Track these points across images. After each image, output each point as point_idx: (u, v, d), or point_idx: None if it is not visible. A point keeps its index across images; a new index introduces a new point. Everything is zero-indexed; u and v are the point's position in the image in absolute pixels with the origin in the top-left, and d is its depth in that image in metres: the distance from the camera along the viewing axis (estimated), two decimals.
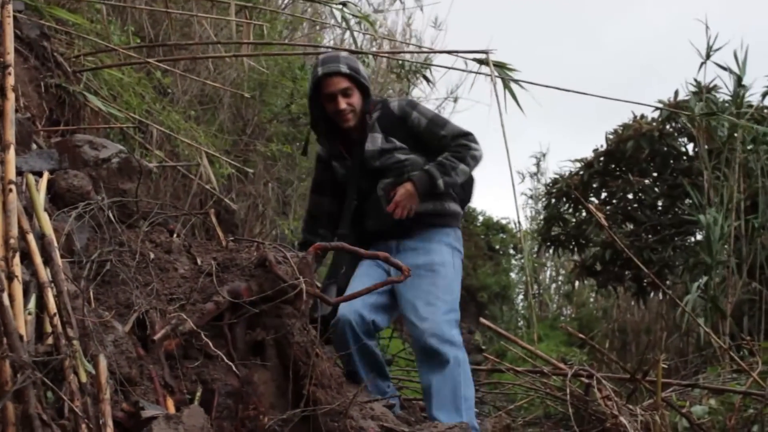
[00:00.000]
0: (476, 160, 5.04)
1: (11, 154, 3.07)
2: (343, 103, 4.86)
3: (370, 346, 4.87)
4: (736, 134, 11.50)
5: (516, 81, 6.03)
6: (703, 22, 11.73)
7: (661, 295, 13.68)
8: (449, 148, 4.97)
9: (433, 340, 4.64)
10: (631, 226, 13.39)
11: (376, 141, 5.00)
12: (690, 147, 13.10)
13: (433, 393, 4.69)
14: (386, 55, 10.41)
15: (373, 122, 5.02)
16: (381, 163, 4.96)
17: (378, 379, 4.96)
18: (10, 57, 3.32)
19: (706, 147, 11.97)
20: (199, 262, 3.76)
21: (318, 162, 5.31)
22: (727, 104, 12.12)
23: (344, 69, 4.87)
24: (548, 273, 23.15)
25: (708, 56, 11.79)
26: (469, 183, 5.27)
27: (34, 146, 4.19)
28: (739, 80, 11.88)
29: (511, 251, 23.79)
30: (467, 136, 5.02)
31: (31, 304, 2.87)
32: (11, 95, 3.22)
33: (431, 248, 4.98)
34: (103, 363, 2.75)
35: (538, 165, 22.86)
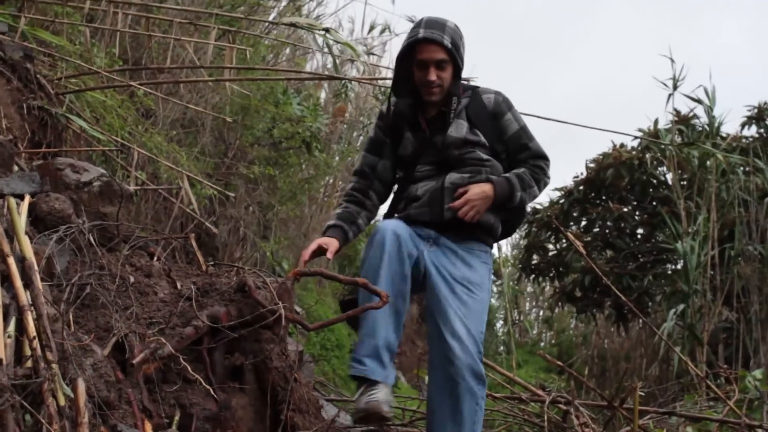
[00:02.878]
0: (544, 188, 4.72)
1: None
2: (433, 75, 4.42)
3: (408, 268, 4.27)
4: (709, 163, 11.62)
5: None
6: (668, 56, 11.87)
7: (640, 322, 13.73)
8: (527, 165, 4.61)
9: (471, 378, 4.18)
10: (611, 254, 13.45)
11: (461, 128, 4.56)
12: (669, 176, 13.21)
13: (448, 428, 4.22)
14: (367, 81, 10.43)
15: (461, 108, 4.60)
16: (460, 154, 4.52)
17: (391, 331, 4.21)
18: None
19: (681, 175, 12.10)
20: (178, 286, 3.77)
21: (381, 120, 4.80)
22: (701, 134, 12.27)
23: (447, 41, 4.41)
24: (528, 299, 23.17)
25: (675, 87, 11.93)
26: (520, 215, 4.93)
27: (16, 168, 4.20)
28: (710, 111, 12.05)
29: (492, 277, 23.79)
30: (547, 160, 4.68)
31: (11, 327, 2.88)
32: None
33: (472, 263, 4.50)
34: (81, 386, 2.76)
35: None
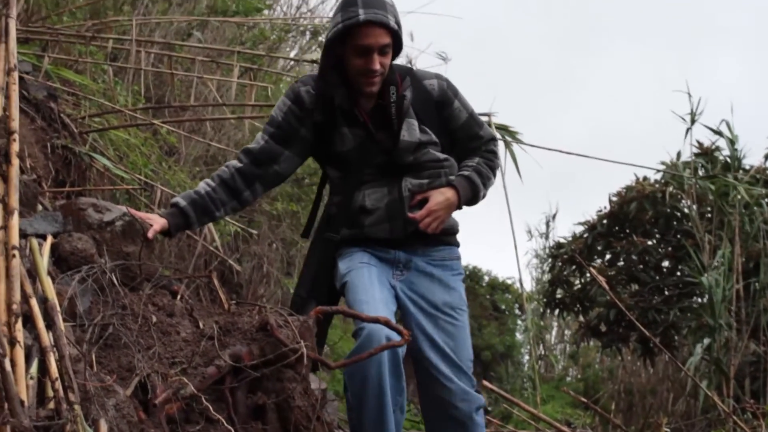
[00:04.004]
0: (496, 174, 4.32)
1: (15, 219, 3.10)
2: (377, 63, 3.85)
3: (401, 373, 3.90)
4: (731, 196, 11.57)
5: (520, 142, 6.03)
6: (685, 91, 11.82)
7: (667, 357, 13.64)
8: (479, 154, 4.23)
9: (475, 417, 3.99)
10: (636, 287, 13.37)
11: (413, 130, 4.03)
12: (694, 208, 13.17)
13: None
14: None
15: (408, 104, 4.05)
16: (415, 159, 4.05)
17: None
18: (15, 123, 3.36)
19: (703, 208, 12.06)
20: (201, 325, 3.77)
21: (297, 105, 4.11)
22: (723, 166, 12.24)
23: (392, 22, 3.84)
24: (554, 333, 23.07)
25: (693, 121, 11.88)
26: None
27: (40, 207, 4.22)
28: (732, 143, 12.01)
29: (517, 311, 23.72)
30: (496, 141, 4.32)
31: (33, 369, 2.88)
32: (15, 161, 3.26)
33: (449, 282, 4.13)
34: (104, 428, 2.76)
35: (547, 225, 22.77)
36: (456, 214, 4.26)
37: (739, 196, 11.37)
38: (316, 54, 8.77)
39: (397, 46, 3.97)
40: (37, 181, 4.71)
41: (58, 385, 2.79)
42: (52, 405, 2.80)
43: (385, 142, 4.04)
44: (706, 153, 12.48)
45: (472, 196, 4.15)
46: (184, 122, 7.73)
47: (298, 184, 9.56)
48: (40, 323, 2.99)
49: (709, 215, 12.10)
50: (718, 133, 12.13)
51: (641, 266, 13.30)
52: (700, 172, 12.31)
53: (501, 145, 4.96)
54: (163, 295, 3.96)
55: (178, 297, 4.06)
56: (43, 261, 3.35)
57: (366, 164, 4.08)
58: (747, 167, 12.35)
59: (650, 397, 14.18)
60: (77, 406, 2.76)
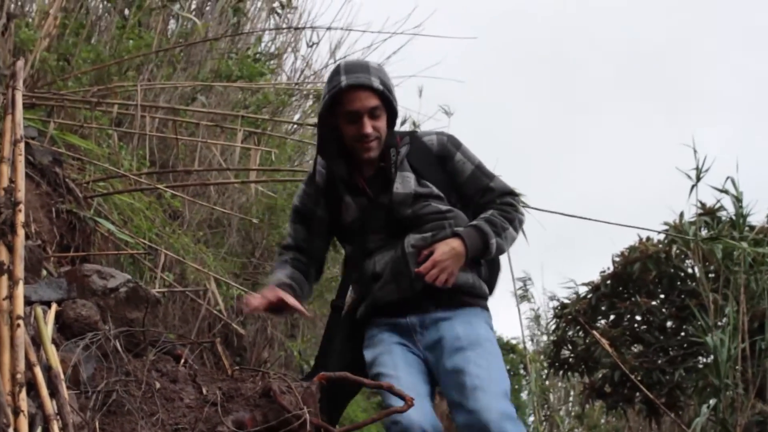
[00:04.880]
0: (521, 227, 4.06)
1: (20, 289, 3.13)
2: (368, 126, 3.80)
3: None
4: (736, 255, 11.57)
5: (525, 205, 6.04)
6: (691, 146, 11.87)
7: (673, 418, 13.58)
8: (494, 206, 3.98)
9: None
10: (640, 348, 13.34)
11: (408, 182, 3.92)
12: (697, 268, 13.17)
13: None
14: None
15: (402, 158, 3.97)
16: (414, 212, 3.89)
17: None
18: (21, 194, 3.40)
19: (707, 267, 12.06)
20: (204, 391, 3.77)
21: (308, 187, 4.15)
22: (727, 226, 12.25)
23: (376, 83, 3.81)
24: (560, 394, 22.97)
25: (698, 179, 11.89)
26: (497, 266, 4.20)
27: (44, 272, 4.25)
28: (738, 201, 12.01)
29: (522, 371, 23.62)
30: (515, 195, 4.07)
31: None
32: (21, 231, 3.29)
33: (471, 321, 3.90)
34: None
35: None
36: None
37: (744, 256, 11.39)
38: None
39: (390, 108, 3.91)
40: (42, 246, 4.74)
41: None
42: None
43: (385, 204, 3.94)
44: (710, 212, 12.51)
45: (482, 246, 3.85)
46: (188, 186, 7.77)
47: None
48: (44, 391, 3.01)
49: (714, 274, 12.11)
50: (724, 191, 12.14)
51: (645, 327, 13.28)
52: (703, 232, 12.32)
53: None
54: (166, 361, 3.97)
55: (182, 362, 4.06)
56: (48, 329, 3.37)
57: (371, 230, 3.97)
58: (752, 224, 12.36)
59: None
60: None
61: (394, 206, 3.91)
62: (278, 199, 8.79)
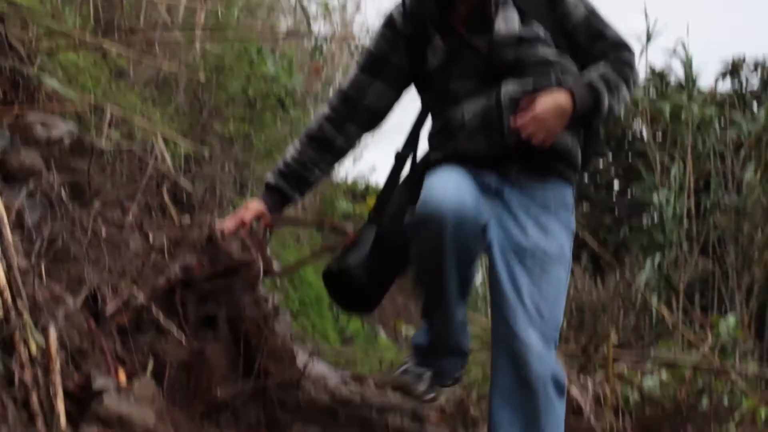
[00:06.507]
0: (633, 90, 3.48)
1: None
2: None
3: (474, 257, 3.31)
4: (684, 116, 11.69)
5: None
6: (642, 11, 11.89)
7: (618, 275, 13.85)
8: (607, 59, 3.42)
9: (552, 390, 3.25)
10: (587, 207, 13.52)
11: (511, 22, 3.34)
12: (645, 130, 13.28)
13: None
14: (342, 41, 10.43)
15: None
16: (516, 56, 3.33)
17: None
18: None
19: (656, 129, 12.19)
20: (151, 238, 3.79)
21: (388, 28, 3.61)
22: (676, 89, 12.36)
23: None
24: None
25: (648, 41, 11.92)
26: (597, 134, 3.60)
27: None
28: (688, 64, 12.09)
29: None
30: (631, 52, 3.49)
31: None
32: None
33: (548, 225, 3.38)
34: (53, 334, 2.79)
35: None
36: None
37: (691, 117, 11.51)
38: None
39: None
40: None
41: (7, 294, 2.82)
42: (0, 314, 2.82)
43: (481, 47, 3.39)
44: (659, 75, 12.58)
45: (592, 104, 3.31)
46: (134, 45, 7.66)
47: (250, 106, 9.52)
48: None
49: (662, 136, 12.24)
50: (674, 53, 12.21)
51: (593, 186, 13.44)
52: (653, 95, 12.42)
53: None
54: (112, 210, 3.97)
55: (130, 213, 4.07)
56: None
57: (463, 76, 3.44)
58: (700, 89, 12.48)
59: (601, 314, 14.42)
60: (26, 314, 2.79)
61: (493, 49, 3.36)
62: (226, 58, 8.70)
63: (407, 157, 3.66)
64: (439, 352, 3.65)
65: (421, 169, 3.53)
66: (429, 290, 3.42)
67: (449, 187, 3.17)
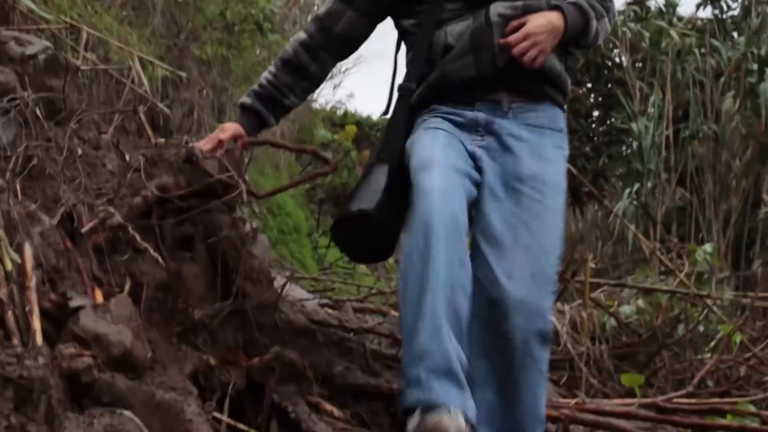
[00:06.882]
0: (610, 26, 3.45)
1: None
2: None
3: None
4: (664, 44, 11.65)
5: None
6: None
7: (596, 205, 13.89)
8: None
9: (535, 341, 2.92)
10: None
11: None
12: (624, 57, 13.24)
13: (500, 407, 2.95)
14: None
15: None
16: None
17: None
18: None
19: (635, 56, 12.17)
20: (127, 158, 3.75)
21: None
22: (656, 16, 12.31)
23: None
24: None
25: None
26: (572, 66, 3.57)
27: None
28: None
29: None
30: None
31: None
32: None
33: (543, 151, 3.23)
34: (28, 251, 2.76)
35: None
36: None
37: (671, 44, 11.47)
38: None
39: None
40: None
41: None
42: None
43: None
44: (638, 2, 12.53)
45: (582, 26, 3.25)
46: None
47: (228, 30, 9.43)
48: None
49: (641, 64, 12.22)
50: None
51: (571, 115, 13.43)
52: (632, 24, 12.35)
53: None
54: (88, 129, 3.92)
55: (107, 133, 4.02)
56: None
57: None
58: (680, 16, 12.44)
59: (580, 245, 14.49)
60: (1, 232, 2.76)
61: None
62: None
63: (410, 90, 3.42)
64: None
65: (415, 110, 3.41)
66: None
67: (436, 192, 2.94)
